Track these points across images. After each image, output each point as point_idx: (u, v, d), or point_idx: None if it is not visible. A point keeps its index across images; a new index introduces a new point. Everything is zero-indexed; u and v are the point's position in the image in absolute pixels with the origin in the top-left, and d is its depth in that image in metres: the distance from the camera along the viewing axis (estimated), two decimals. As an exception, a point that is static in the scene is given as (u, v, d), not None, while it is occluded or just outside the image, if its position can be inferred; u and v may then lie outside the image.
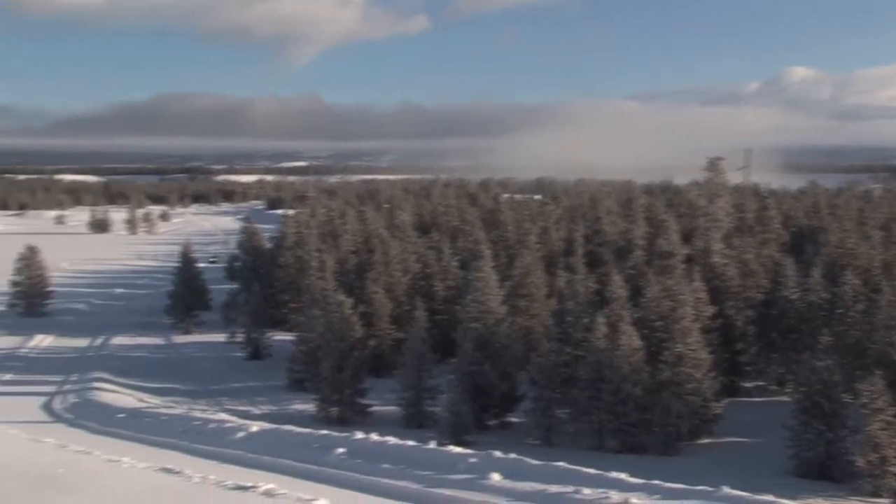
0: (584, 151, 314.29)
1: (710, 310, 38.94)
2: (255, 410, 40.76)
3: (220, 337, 59.35)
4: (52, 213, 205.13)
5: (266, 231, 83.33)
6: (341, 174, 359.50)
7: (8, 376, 49.51)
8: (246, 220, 78.66)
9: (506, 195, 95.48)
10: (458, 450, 25.31)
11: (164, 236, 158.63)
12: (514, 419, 37.90)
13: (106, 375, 48.44)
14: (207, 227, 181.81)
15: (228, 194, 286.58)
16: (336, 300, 42.06)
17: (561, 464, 22.38)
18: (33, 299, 71.03)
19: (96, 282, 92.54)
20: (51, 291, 72.59)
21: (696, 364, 33.49)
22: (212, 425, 32.75)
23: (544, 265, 52.08)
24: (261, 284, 60.03)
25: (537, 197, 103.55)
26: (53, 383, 47.26)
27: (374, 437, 27.15)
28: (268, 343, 54.34)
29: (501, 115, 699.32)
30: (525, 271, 48.46)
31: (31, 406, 41.93)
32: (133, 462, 22.22)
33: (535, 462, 22.77)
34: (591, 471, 21.65)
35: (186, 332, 62.71)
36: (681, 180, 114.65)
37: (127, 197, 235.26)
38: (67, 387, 46.39)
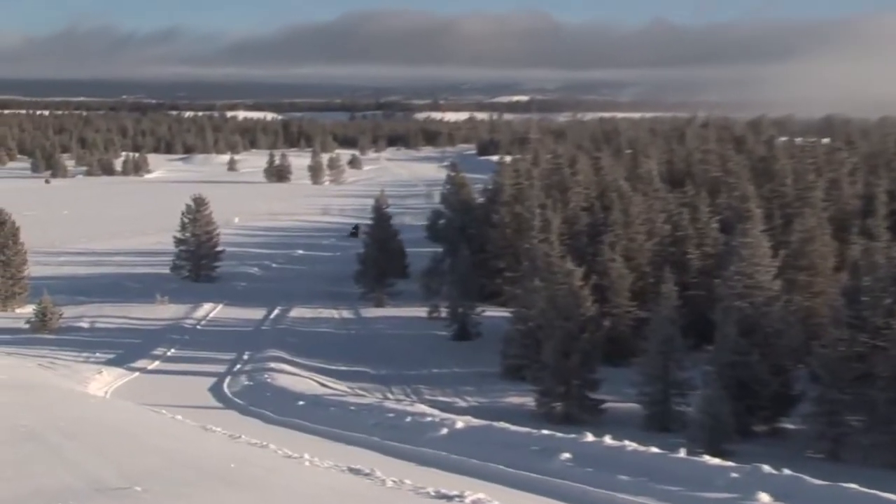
0: (894, 81, 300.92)
1: None
2: (461, 402, 41.53)
3: (419, 311, 60.57)
4: (224, 158, 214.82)
5: (477, 182, 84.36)
6: (572, 111, 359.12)
7: (172, 351, 52.52)
8: (452, 167, 79.81)
9: (783, 138, 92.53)
10: (714, 461, 24.96)
11: (353, 187, 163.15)
12: (788, 425, 37.06)
13: (283, 354, 50.51)
14: (405, 177, 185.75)
15: (431, 136, 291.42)
16: (563, 269, 42.16)
17: (852, 486, 21.69)
18: (200, 261, 74.40)
19: (273, 241, 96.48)
20: (220, 251, 75.92)
21: None
22: (408, 419, 33.54)
23: (832, 229, 50.47)
24: (470, 248, 60.81)
25: (825, 140, 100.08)
26: (223, 362, 49.70)
27: (608, 440, 27.10)
28: (477, 320, 55.12)
29: (779, 34, 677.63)
30: (807, 236, 47.12)
31: (198, 388, 44.23)
32: (315, 459, 23.03)
33: (816, 482, 22.18)
34: (894, 497, 20.91)
35: (379, 304, 64.29)
36: None
37: (310, 138, 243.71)
38: (239, 366, 48.70)
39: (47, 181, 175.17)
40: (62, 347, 52.18)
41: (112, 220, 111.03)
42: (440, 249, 69.95)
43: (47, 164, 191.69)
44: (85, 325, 58.41)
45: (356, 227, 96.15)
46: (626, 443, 26.68)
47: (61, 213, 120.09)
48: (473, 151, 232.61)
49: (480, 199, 73.84)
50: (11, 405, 26.88)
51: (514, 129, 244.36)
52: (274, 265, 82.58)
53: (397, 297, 65.73)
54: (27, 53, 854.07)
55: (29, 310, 58.95)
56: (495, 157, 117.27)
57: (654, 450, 26.01)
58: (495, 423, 31.48)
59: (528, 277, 45.76)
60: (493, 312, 55.69)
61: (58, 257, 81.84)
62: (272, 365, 47.87)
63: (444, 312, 56.79)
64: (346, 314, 62.88)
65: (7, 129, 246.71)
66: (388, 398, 41.42)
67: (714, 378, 36.10)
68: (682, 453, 26.02)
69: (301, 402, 39.65)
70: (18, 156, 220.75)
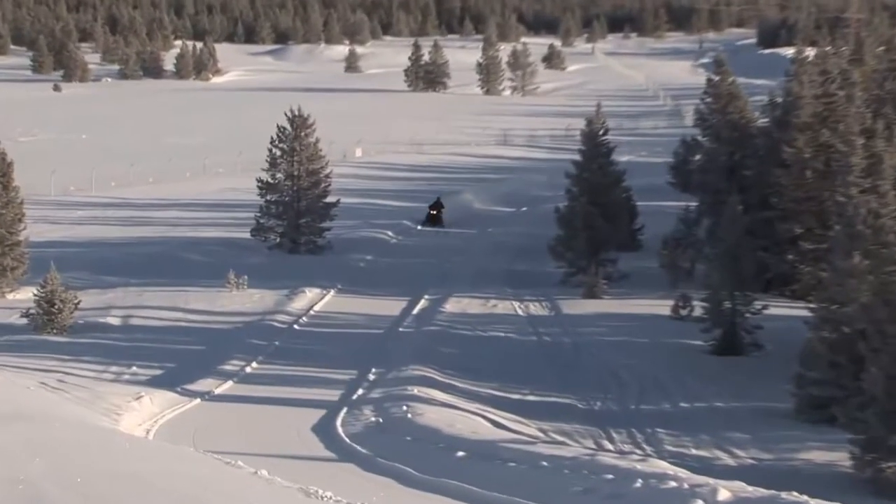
0: None
1: None
2: (727, 458, 41.45)
3: (657, 306, 60.33)
4: (339, 51, 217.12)
5: (758, 92, 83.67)
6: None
7: (253, 366, 52.84)
8: (717, 67, 79.19)
9: None
10: None
11: (550, 99, 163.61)
12: None
13: (433, 373, 50.82)
14: (637, 82, 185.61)
15: (681, 15, 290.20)
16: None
17: None
18: (300, 220, 75.36)
19: (417, 187, 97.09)
20: (333, 204, 76.43)
21: None
22: (638, 483, 33.52)
23: None
24: (744, 202, 60.17)
25: None
26: (336, 384, 50.10)
27: (976, 528, 26.87)
28: (755, 322, 54.68)
29: None
30: None
31: (295, 426, 44.52)
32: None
33: None
34: None
35: (591, 293, 64.08)
36: None
37: (480, 19, 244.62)
38: (361, 392, 48.96)
39: (57, 87, 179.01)
40: (79, 357, 53.03)
41: (160, 152, 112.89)
42: (694, 204, 69.56)
43: (57, 62, 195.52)
44: (115, 321, 59.22)
45: (438, 202, 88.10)
46: None
47: (79, 140, 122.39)
48: (752, 40, 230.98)
49: (763, 121, 73.06)
50: (3, 450, 27.35)
51: (822, 4, 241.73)
52: (418, 227, 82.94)
53: (621, 282, 65.66)
54: None
55: (28, 295, 59.69)
56: (788, 51, 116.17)
57: None
58: (784, 495, 31.34)
59: (841, 252, 45.23)
60: (780, 309, 55.36)
61: (73, 211, 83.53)
62: (415, 391, 48.02)
63: (698, 308, 56.44)
64: (535, 309, 62.92)
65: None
66: (604, 449, 41.46)
67: None
68: None
69: (461, 453, 39.77)
70: (12, 47, 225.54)
